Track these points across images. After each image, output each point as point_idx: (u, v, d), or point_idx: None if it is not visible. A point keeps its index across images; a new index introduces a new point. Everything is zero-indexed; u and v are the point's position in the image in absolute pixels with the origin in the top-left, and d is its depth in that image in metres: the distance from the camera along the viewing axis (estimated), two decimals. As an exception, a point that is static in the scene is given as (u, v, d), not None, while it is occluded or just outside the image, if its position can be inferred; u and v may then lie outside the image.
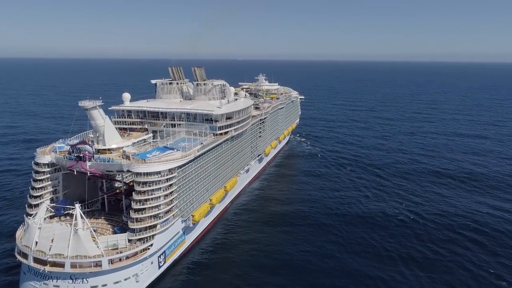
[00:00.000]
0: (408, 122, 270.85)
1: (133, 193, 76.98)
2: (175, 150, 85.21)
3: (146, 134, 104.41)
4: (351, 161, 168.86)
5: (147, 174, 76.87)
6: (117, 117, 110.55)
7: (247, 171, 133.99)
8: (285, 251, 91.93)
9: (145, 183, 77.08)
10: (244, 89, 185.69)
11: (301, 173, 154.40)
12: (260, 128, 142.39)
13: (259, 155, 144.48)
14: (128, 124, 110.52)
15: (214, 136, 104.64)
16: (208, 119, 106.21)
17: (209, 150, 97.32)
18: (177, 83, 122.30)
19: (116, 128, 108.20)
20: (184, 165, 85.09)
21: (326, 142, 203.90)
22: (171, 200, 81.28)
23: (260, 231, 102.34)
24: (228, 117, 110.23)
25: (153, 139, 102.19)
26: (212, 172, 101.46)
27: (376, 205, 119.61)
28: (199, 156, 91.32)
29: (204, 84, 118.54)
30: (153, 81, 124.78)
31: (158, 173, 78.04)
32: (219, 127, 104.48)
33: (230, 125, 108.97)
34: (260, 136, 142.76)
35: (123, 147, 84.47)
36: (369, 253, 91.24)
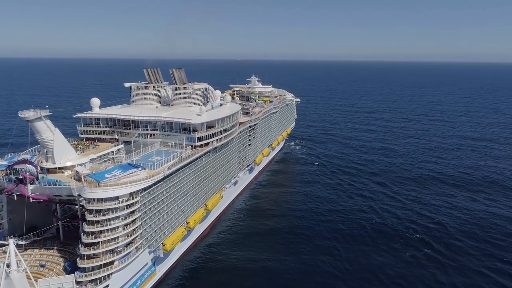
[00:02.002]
0: (413, 125, 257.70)
1: (84, 223, 63.28)
2: (140, 168, 71.31)
3: (116, 145, 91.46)
4: (352, 169, 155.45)
5: (102, 200, 63.10)
6: (84, 126, 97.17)
7: (235, 183, 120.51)
8: (270, 286, 78.14)
9: (99, 211, 63.29)
10: (235, 92, 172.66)
11: (295, 184, 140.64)
12: (249, 135, 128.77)
13: (248, 165, 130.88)
14: (96, 134, 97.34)
15: (192, 148, 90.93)
16: (185, 128, 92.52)
17: (184, 166, 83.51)
18: (154, 87, 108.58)
19: (83, 138, 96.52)
20: (151, 186, 71.33)
21: (324, 148, 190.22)
22: (133, 230, 67.54)
23: (244, 258, 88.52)
24: (210, 126, 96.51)
25: (124, 151, 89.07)
26: (189, 190, 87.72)
27: (385, 226, 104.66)
28: (170, 174, 77.47)
29: (184, 88, 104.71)
30: (126, 84, 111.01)
31: (116, 198, 64.25)
32: (198, 138, 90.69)
33: (212, 135, 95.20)
34: (249, 144, 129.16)
35: (78, 165, 70.54)
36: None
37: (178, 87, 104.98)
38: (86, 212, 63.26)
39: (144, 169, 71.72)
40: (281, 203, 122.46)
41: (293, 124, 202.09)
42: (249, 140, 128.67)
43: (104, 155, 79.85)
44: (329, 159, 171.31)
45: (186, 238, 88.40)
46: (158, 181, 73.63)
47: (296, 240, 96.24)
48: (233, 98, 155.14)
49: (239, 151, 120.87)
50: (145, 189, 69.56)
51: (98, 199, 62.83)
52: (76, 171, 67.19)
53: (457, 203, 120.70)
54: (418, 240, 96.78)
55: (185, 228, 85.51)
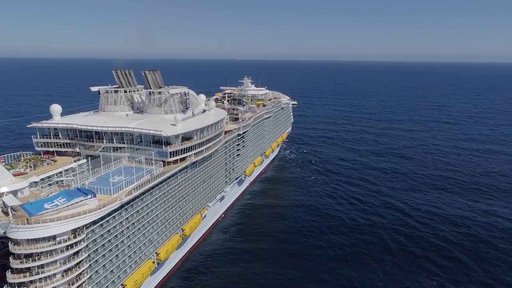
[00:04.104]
0: (419, 128, 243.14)
1: (7, 272, 49.20)
2: (90, 196, 57.23)
3: (77, 161, 77.67)
4: (355, 179, 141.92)
5: (33, 241, 49.15)
6: (40, 137, 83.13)
7: (221, 199, 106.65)
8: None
9: (28, 256, 49.31)
10: (226, 95, 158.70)
11: (291, 197, 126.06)
12: (238, 144, 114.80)
13: (237, 178, 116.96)
14: (55, 146, 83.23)
15: (165, 164, 76.89)
16: (157, 141, 78.44)
17: (152, 187, 69.51)
18: (125, 91, 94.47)
19: (42, 151, 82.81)
20: (103, 218, 57.31)
21: (323, 154, 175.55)
22: (77, 276, 53.46)
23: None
24: (187, 137, 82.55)
25: (79, 169, 75.17)
26: (160, 215, 73.74)
27: (402, 260, 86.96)
28: (132, 200, 63.44)
29: (159, 92, 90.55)
30: (93, 89, 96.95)
31: (52, 238, 50.33)
32: (170, 152, 76.57)
33: (189, 149, 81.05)
34: (238, 154, 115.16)
35: (7, 193, 56.40)
36: None
37: (152, 92, 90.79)
38: (11, 257, 49.23)
39: (95, 196, 57.64)
40: (273, 221, 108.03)
41: (290, 129, 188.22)
42: (238, 149, 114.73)
43: (48, 177, 65.44)
44: (329, 165, 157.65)
45: (156, 271, 74.43)
46: (115, 210, 59.66)
47: (289, 275, 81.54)
48: (222, 102, 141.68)
49: (226, 163, 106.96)
50: (94, 222, 55.59)
51: (27, 240, 48.88)
52: (3, 202, 53.07)
53: (485, 224, 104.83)
54: (447, 278, 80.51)
55: (153, 262, 71.62)
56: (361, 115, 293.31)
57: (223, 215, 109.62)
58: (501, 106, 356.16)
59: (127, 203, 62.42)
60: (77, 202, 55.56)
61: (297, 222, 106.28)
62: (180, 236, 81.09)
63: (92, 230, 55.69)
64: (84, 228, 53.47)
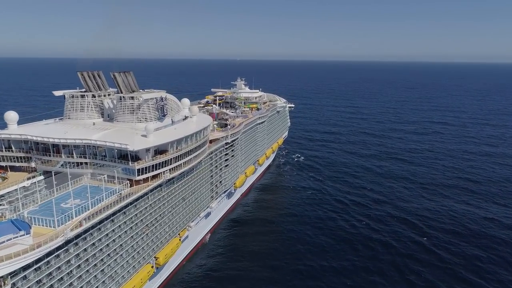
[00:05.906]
0: (427, 130, 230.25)
1: None
2: (23, 232, 45.35)
3: (31, 178, 65.99)
4: (359, 188, 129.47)
5: None
6: (-9, 150, 71.31)
7: (207, 215, 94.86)
8: None
9: None
10: (218, 97, 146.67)
11: (286, 211, 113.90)
12: (226, 154, 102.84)
13: (226, 191, 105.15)
14: (7, 161, 71.49)
15: (133, 183, 64.91)
16: (124, 156, 66.40)
17: (113, 214, 57.54)
18: (94, 96, 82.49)
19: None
20: (40, 260, 45.37)
21: (324, 161, 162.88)
22: (0, 339, 41.53)
23: None
24: (161, 150, 70.64)
25: (45, 184, 64.30)
26: (125, 245, 61.78)
27: None
28: (80, 234, 51.41)
29: (131, 97, 78.57)
30: (57, 93, 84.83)
31: (-39, 293, 38.40)
32: (138, 169, 64.49)
33: (163, 164, 69.00)
34: (226, 165, 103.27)
35: None
36: None
37: (123, 97, 78.80)
38: None
39: (29, 231, 45.73)
40: (264, 242, 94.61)
41: (286, 133, 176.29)
42: (226, 160, 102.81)
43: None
44: (330, 173, 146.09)
45: (121, 312, 62.51)
46: (59, 248, 47.74)
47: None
48: (212, 106, 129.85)
49: (211, 175, 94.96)
50: (26, 267, 43.66)
51: None
52: None
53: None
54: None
55: (117, 302, 59.72)
56: (362, 117, 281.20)
57: (209, 234, 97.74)
58: (509, 107, 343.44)
59: (77, 236, 50.52)
60: (4, 242, 43.72)
61: (292, 245, 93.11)
62: (153, 266, 69.23)
63: (25, 276, 43.82)
64: (9, 277, 41.57)
